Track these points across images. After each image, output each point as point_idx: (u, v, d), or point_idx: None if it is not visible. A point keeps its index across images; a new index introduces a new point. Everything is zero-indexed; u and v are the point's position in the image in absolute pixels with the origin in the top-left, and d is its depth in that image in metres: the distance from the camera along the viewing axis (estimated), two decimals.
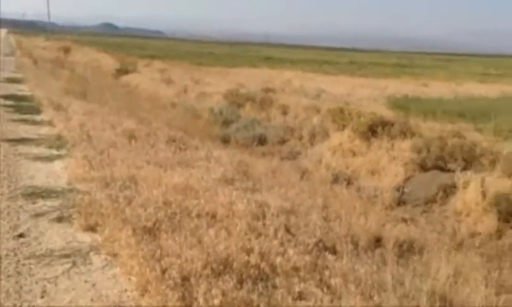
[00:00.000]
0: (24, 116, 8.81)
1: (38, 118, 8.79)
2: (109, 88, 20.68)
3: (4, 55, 29.91)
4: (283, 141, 12.50)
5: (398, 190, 7.14)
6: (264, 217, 4.16)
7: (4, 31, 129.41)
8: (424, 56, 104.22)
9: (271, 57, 65.75)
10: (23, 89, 12.79)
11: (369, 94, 22.17)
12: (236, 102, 16.49)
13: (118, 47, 61.20)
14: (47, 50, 42.98)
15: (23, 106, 9.93)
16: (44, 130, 7.59)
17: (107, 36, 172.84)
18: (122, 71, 29.10)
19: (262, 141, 12.77)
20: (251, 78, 27.86)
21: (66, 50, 42.70)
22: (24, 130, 7.53)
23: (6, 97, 11.10)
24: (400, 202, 7.01)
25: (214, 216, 4.05)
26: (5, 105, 9.90)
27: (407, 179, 7.37)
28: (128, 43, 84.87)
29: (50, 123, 8.18)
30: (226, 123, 14.49)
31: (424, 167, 7.43)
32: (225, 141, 12.38)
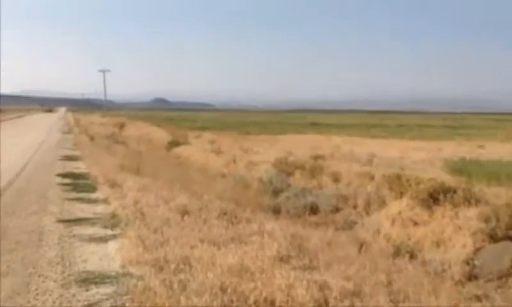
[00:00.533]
0: (80, 195, 8.97)
1: (93, 195, 8.93)
2: (162, 160, 21.21)
3: (62, 132, 31.57)
4: (336, 210, 12.12)
5: (468, 263, 6.58)
6: (327, 302, 3.85)
7: (63, 109, 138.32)
8: (473, 117, 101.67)
9: (317, 123, 66.25)
10: (80, 167, 13.21)
11: (424, 157, 21.56)
12: (285, 170, 16.37)
13: (169, 121, 63.71)
14: (103, 127, 45.19)
15: (79, 184, 10.18)
16: (99, 209, 7.65)
17: (159, 111, 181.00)
18: (174, 143, 29.99)
19: (314, 210, 12.45)
20: (299, 145, 27.91)
21: (121, 126, 44.75)
22: (80, 209, 7.61)
23: (64, 175, 11.45)
24: (471, 276, 6.44)
25: (272, 303, 3.78)
26: (62, 184, 10.18)
27: (476, 251, 6.81)
28: (179, 116, 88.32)
29: (105, 201, 8.26)
30: (276, 192, 14.33)
31: (493, 238, 6.86)
32: (276, 211, 12.15)
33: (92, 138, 23.60)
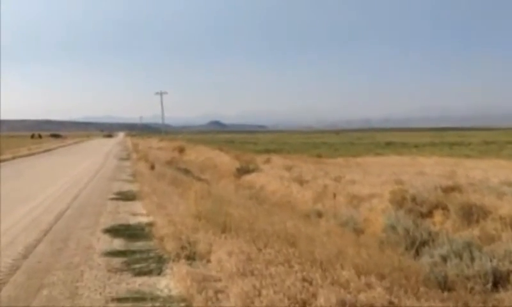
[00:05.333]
0: (138, 283, 4.94)
1: (161, 285, 4.86)
2: (236, 193, 17.23)
3: (119, 159, 28.49)
4: None
5: None
6: None
7: (122, 134, 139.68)
8: None
9: (392, 143, 60.61)
10: (138, 212, 9.33)
11: None
12: (414, 209, 11.80)
13: (229, 143, 60.32)
14: (162, 151, 42.21)
15: (138, 252, 6.17)
16: None
17: (215, 133, 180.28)
18: (243, 170, 26.01)
19: (497, 280, 7.83)
20: (395, 171, 23.07)
21: (181, 150, 41.61)
22: None
23: (115, 232, 7.52)
24: None
25: None
26: (110, 253, 6.17)
27: None
28: (238, 139, 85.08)
29: (187, 303, 4.15)
30: (414, 243, 9.83)
31: None
32: (444, 285, 7.62)
33: (152, 166, 19.98)
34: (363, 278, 5.70)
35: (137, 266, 5.55)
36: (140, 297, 4.48)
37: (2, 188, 13.77)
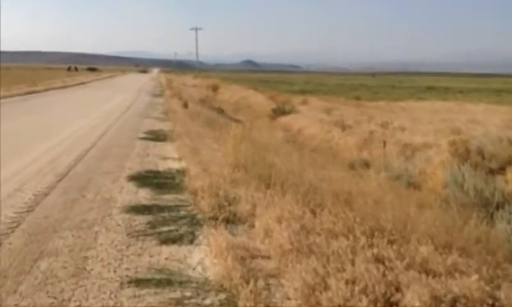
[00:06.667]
0: (165, 255, 3.87)
1: (194, 261, 3.76)
2: (271, 135, 15.98)
3: (152, 95, 27.48)
4: None
5: None
6: None
7: (156, 70, 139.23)
8: None
9: (433, 87, 57.58)
10: (169, 156, 8.24)
11: None
12: (481, 164, 10.31)
13: (264, 83, 58.53)
14: (196, 88, 41.09)
15: (165, 210, 5.07)
16: None
17: (248, 72, 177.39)
18: (278, 111, 24.64)
19: None
20: (448, 117, 21.27)
21: (215, 89, 40.34)
22: None
23: (142, 179, 6.44)
24: None
25: None
26: (133, 209, 5.08)
27: None
28: (273, 79, 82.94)
29: (230, 299, 3.02)
30: (488, 207, 8.43)
31: None
32: None
33: (186, 104, 18.83)
34: (446, 258, 4.42)
35: (164, 229, 4.43)
36: (165, 279, 3.35)
37: (25, 123, 12.92)
